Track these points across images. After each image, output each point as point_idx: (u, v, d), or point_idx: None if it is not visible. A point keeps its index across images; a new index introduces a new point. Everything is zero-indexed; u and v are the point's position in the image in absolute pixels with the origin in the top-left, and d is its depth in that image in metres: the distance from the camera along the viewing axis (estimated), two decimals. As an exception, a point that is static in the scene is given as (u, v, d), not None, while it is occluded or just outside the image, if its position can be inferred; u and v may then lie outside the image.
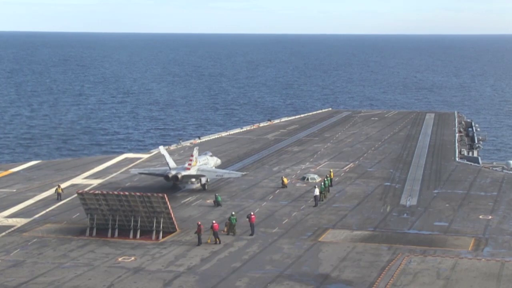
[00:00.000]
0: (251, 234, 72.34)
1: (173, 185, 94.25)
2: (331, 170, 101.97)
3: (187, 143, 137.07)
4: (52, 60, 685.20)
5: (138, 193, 72.89)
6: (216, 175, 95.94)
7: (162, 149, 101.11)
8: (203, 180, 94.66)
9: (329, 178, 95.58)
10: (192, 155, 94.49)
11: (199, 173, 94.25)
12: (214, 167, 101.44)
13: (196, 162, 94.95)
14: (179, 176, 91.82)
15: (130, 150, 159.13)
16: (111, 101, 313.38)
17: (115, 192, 74.23)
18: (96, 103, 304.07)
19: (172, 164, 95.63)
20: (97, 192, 75.31)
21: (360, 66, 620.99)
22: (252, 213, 74.71)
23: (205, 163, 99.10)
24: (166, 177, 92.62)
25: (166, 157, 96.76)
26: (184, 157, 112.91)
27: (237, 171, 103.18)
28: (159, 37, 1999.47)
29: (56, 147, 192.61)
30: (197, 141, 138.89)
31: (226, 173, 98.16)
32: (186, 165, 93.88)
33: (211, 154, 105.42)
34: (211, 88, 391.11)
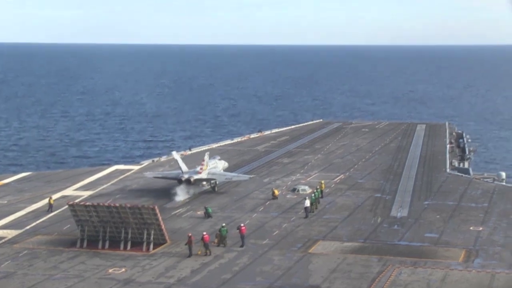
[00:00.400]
0: (242, 246, 72.27)
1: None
2: (322, 182, 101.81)
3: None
4: (42, 71, 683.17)
5: (128, 205, 72.96)
6: (226, 178, 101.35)
7: (175, 154, 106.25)
8: (213, 183, 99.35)
9: (319, 190, 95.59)
10: (203, 160, 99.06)
11: (210, 176, 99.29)
12: (222, 170, 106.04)
13: (207, 166, 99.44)
14: (192, 179, 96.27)
15: (116, 163, 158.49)
16: (100, 113, 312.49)
17: (106, 204, 74.22)
18: (85, 115, 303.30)
19: (184, 168, 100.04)
20: (87, 203, 75.22)
21: (351, 77, 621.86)
22: (242, 225, 74.71)
23: (214, 167, 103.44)
24: (179, 180, 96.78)
25: (178, 161, 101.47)
26: (174, 168, 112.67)
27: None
28: (150, 48, 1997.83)
29: (44, 159, 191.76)
30: (188, 152, 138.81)
31: (235, 176, 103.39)
32: (198, 169, 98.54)
33: (219, 158, 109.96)
34: (201, 99, 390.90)
